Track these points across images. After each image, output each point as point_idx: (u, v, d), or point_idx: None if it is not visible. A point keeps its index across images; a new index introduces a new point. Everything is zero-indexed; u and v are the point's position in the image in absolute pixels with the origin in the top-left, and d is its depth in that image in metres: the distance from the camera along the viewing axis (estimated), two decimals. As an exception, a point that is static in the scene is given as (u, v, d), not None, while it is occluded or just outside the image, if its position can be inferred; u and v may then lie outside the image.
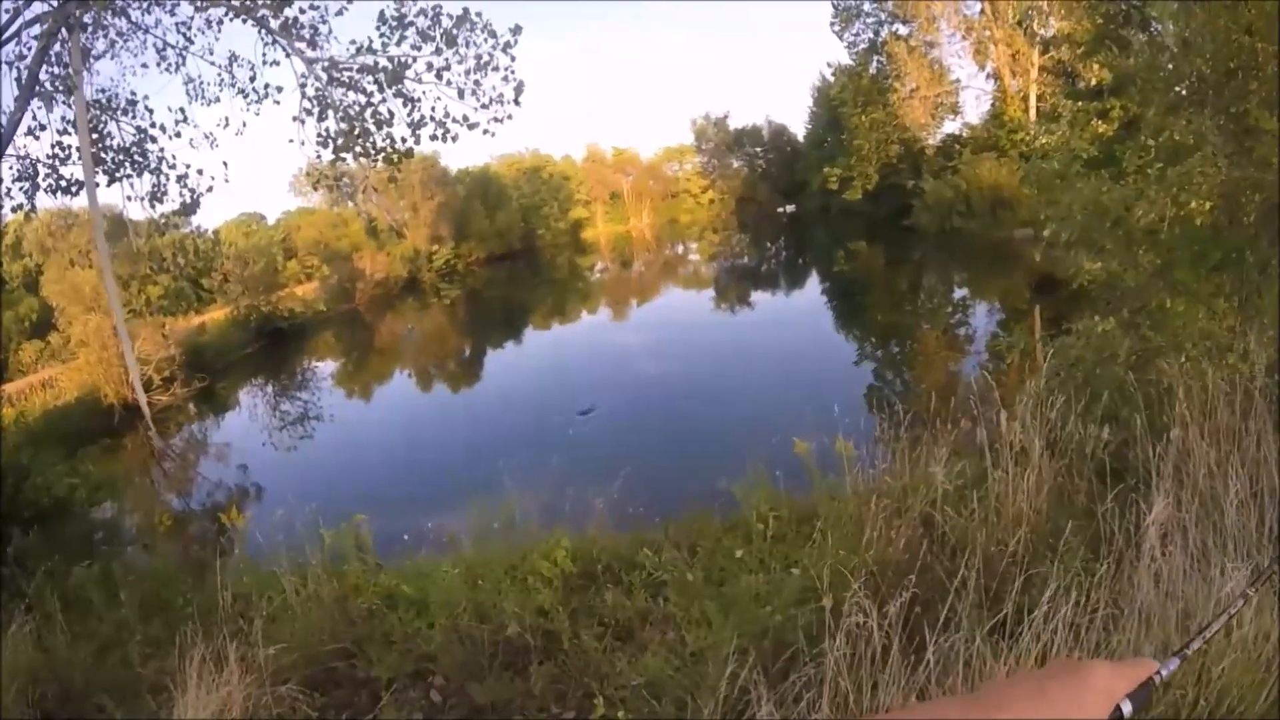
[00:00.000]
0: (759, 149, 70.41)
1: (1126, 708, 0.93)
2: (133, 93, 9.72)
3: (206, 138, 9.98)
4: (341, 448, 18.28)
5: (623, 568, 5.63)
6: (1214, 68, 5.43)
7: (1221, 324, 5.32)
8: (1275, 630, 2.86)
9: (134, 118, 9.65)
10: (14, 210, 9.59)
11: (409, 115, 9.24)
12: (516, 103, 9.30)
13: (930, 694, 2.70)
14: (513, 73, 9.16)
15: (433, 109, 9.24)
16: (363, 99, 9.16)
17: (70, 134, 9.17)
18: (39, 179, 9.24)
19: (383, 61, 8.98)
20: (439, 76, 9.07)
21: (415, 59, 9.00)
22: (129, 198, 9.81)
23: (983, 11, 36.86)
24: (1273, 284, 5.32)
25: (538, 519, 6.66)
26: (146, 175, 9.74)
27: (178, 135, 9.74)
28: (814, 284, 36.48)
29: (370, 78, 9.07)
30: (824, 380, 16.22)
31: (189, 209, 10.36)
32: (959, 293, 26.95)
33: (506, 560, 5.66)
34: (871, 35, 41.01)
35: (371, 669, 4.75)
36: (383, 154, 9.43)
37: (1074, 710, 0.85)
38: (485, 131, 9.36)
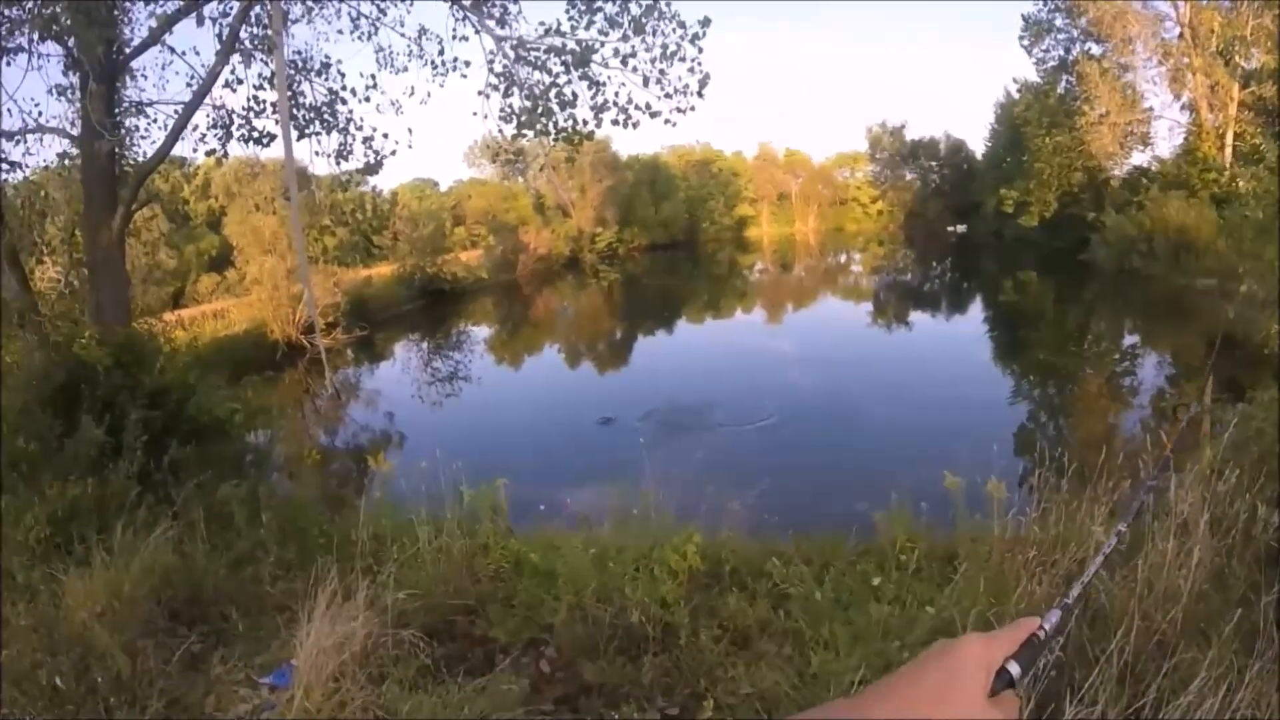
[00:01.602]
0: (934, 163, 68.52)
1: (1014, 669, 0.91)
2: (326, 56, 10.34)
3: (393, 104, 10.50)
4: (485, 410, 18.87)
5: (749, 573, 5.64)
6: None
7: None
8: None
9: (326, 80, 10.26)
10: (208, 154, 10.28)
11: (593, 98, 9.43)
12: (700, 95, 9.37)
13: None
14: (699, 64, 9.23)
15: (616, 94, 9.41)
16: (548, 79, 9.40)
17: (265, 89, 9.87)
18: (233, 128, 9.95)
19: (570, 44, 9.20)
20: (625, 63, 9.21)
21: (602, 44, 9.18)
22: (316, 153, 10.44)
23: (1182, 36, 34.11)
24: None
25: (674, 511, 6.73)
26: (335, 134, 10.31)
27: (366, 100, 10.28)
28: (977, 311, 35.20)
29: (557, 59, 9.30)
30: (975, 414, 15.72)
31: (371, 169, 10.87)
32: (1129, 339, 25.52)
33: (638, 547, 5.73)
34: (1062, 53, 39.09)
35: (491, 629, 4.92)
36: (563, 134, 9.66)
37: (952, 689, 0.84)
38: (667, 121, 9.47)
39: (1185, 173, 32.87)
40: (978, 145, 60.52)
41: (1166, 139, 41.59)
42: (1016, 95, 44.46)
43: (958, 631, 3.48)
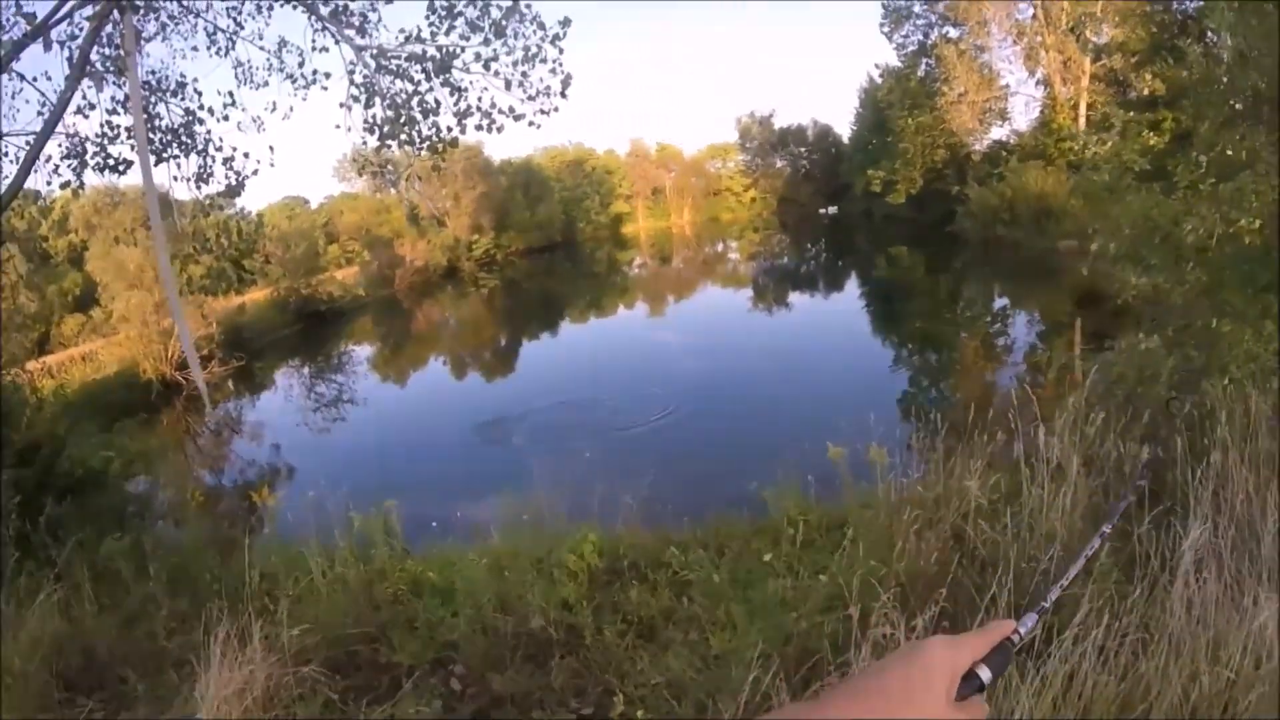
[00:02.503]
0: (803, 149, 70.15)
1: (985, 674, 0.92)
2: (182, 75, 9.77)
3: (254, 121, 10.09)
4: (374, 432, 18.43)
5: (649, 565, 5.64)
6: (1270, 84, 5.31)
7: (1268, 347, 5.20)
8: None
9: (183, 99, 9.73)
10: (62, 187, 9.69)
11: (455, 104, 9.28)
12: (563, 95, 9.32)
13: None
14: (560, 65, 9.18)
15: (479, 99, 9.28)
16: (410, 87, 9.21)
17: (119, 113, 9.28)
18: (87, 156, 9.38)
19: (431, 51, 9.03)
20: (486, 67, 9.09)
21: (464, 49, 9.03)
22: (175, 178, 9.97)
23: (1035, 16, 36.15)
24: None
25: (566, 513, 6.68)
26: (193, 156, 9.81)
27: (225, 118, 9.83)
28: (853, 288, 36.19)
29: (418, 66, 9.12)
30: (859, 385, 16.14)
31: (234, 191, 10.43)
32: (999, 302, 26.60)
33: (533, 552, 5.67)
34: (921, 38, 40.68)
35: (394, 655, 4.77)
36: (428, 142, 9.49)
37: (915, 691, 0.84)
38: (531, 123, 9.39)
39: (1042, 144, 34.62)
40: (844, 130, 62.43)
41: (1023, 113, 44.55)
42: (879, 80, 45.95)
43: (850, 597, 3.54)
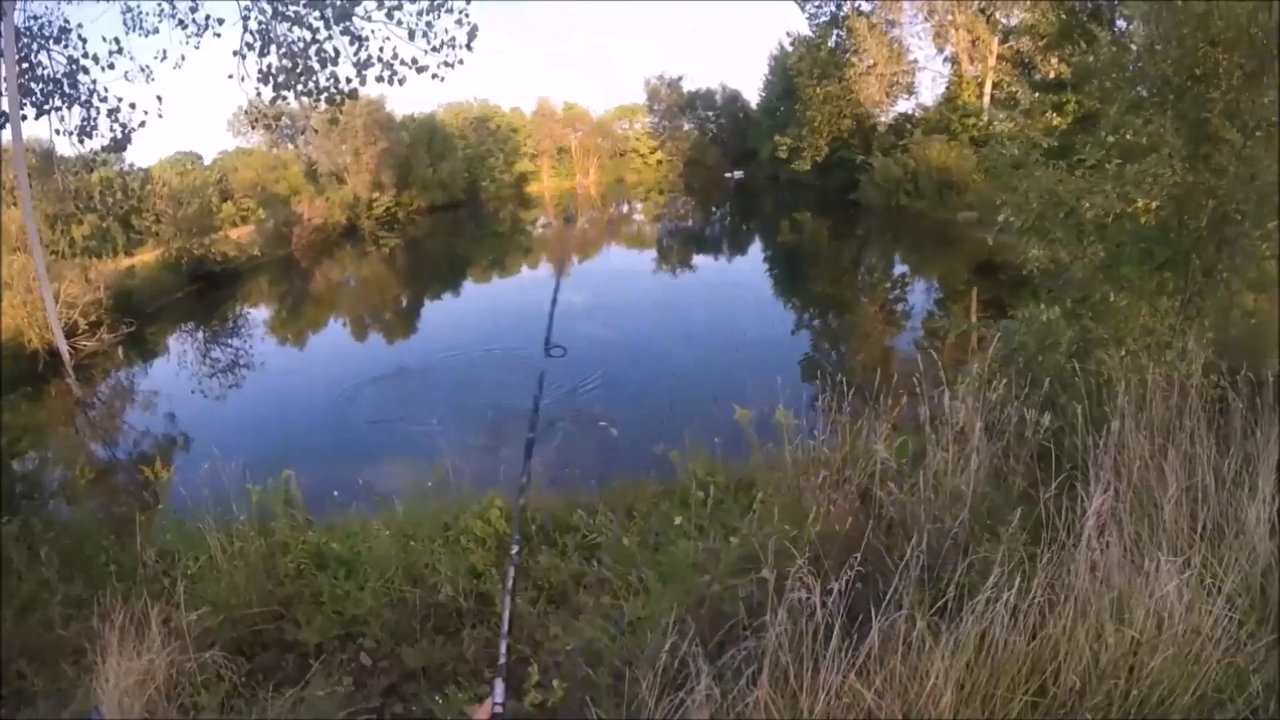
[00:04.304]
0: (711, 113, 70.19)
1: None
2: (66, 20, 9.20)
3: (142, 70, 9.59)
4: (272, 398, 17.90)
5: (557, 529, 5.60)
6: (1177, 72, 5.48)
7: (1163, 322, 5.42)
8: (1205, 624, 2.91)
9: (66, 47, 9.18)
10: None
11: (355, 54, 8.97)
12: (469, 48, 9.08)
13: (871, 673, 2.69)
14: (466, 16, 8.95)
15: (381, 49, 8.99)
16: (308, 35, 8.86)
17: None
18: None
19: (331, -4, 8.69)
20: (389, 16, 8.81)
21: (365, -3, 8.73)
22: (57, 131, 9.37)
23: None
24: (1215, 287, 5.43)
25: (471, 478, 6.55)
26: (76, 108, 9.31)
27: (111, 67, 9.32)
28: (757, 252, 36.54)
29: (316, 13, 8.76)
30: (762, 349, 16.34)
31: (120, 144, 9.89)
32: (899, 269, 27.22)
33: (439, 520, 5.55)
34: (833, 9, 41.29)
35: (300, 632, 4.61)
36: (325, 94, 9.15)
37: None
38: (435, 76, 9.14)
39: (946, 118, 35.64)
40: (753, 96, 62.67)
41: (930, 88, 45.70)
42: (790, 48, 46.16)
43: (765, 558, 3.54)
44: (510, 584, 2.39)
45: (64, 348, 13.36)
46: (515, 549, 2.65)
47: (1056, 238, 5.98)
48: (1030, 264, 6.30)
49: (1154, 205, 5.79)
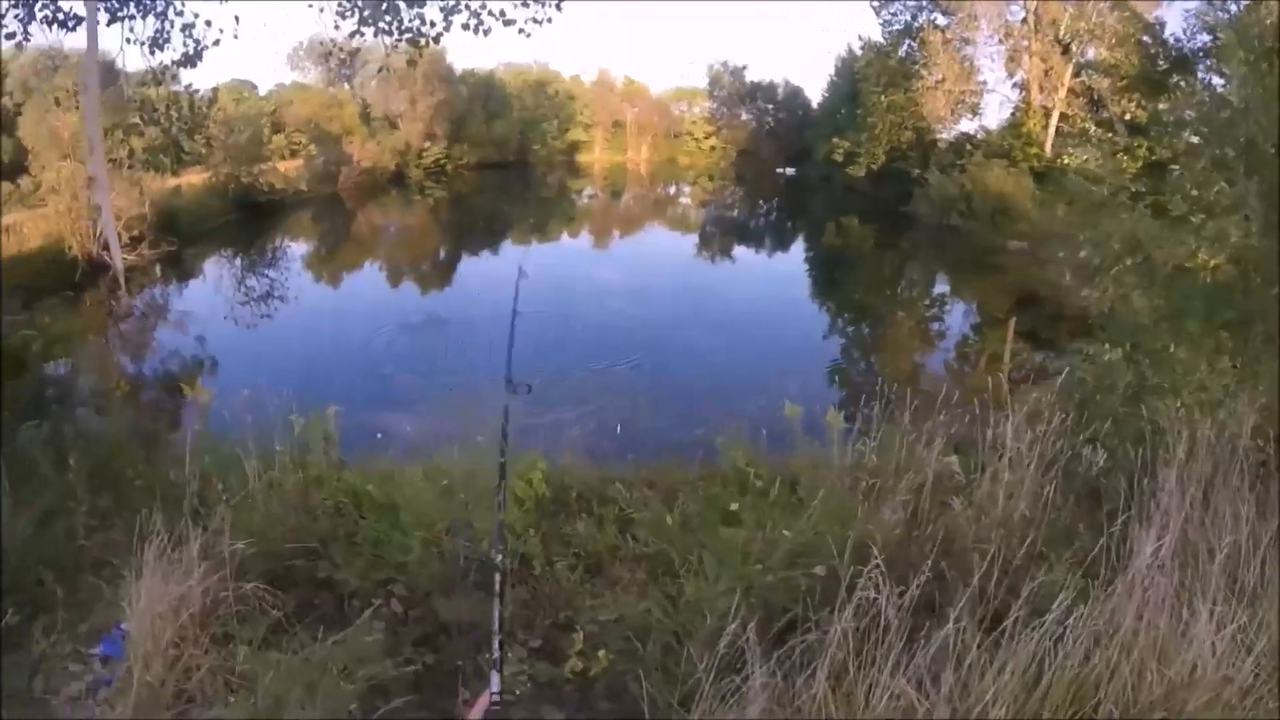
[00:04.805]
0: (770, 106, 69.63)
1: None
2: None
3: None
4: (302, 333, 18.05)
5: (595, 500, 5.63)
6: (1266, 139, 5.46)
7: (1218, 381, 5.43)
8: (1236, 676, 2.97)
9: None
10: (8, 38, 8.88)
11: (444, -1, 8.91)
12: (558, 7, 9.01)
13: (924, 684, 2.76)
14: (561, -25, 8.88)
15: (470, -3, 8.92)
16: (397, -28, 8.83)
17: None
18: (36, 7, 8.69)
19: (428, -66, 8.66)
20: (485, -36, 8.75)
21: (462, -61, 8.68)
22: (129, 40, 9.27)
23: (1025, 21, 36.39)
24: (1272, 355, 5.43)
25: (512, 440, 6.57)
26: (150, 18, 9.24)
27: None
28: (799, 251, 36.44)
29: (411, -50, 8.73)
30: (793, 346, 16.40)
31: (191, 60, 9.74)
32: (940, 288, 27.05)
33: (485, 478, 5.57)
34: (909, 18, 40.45)
35: (339, 572, 4.56)
36: (409, 34, 9.12)
37: None
38: (521, 30, 9.05)
39: (1009, 144, 35.02)
40: (815, 94, 62.03)
41: (995, 112, 44.78)
42: (859, 52, 45.61)
43: (818, 555, 3.60)
44: (497, 588, 2.41)
45: (119, 260, 13.42)
46: (499, 555, 2.71)
47: (1129, 281, 5.98)
48: (1100, 304, 6.30)
49: (1215, 262, 5.79)
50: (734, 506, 4.91)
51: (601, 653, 3.59)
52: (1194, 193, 5.89)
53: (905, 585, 3.15)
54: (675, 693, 3.20)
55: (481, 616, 4.11)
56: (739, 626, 2.94)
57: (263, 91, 57.00)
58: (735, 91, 69.71)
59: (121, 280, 15.38)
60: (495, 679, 1.12)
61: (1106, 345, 5.94)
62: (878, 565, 2.99)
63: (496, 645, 1.10)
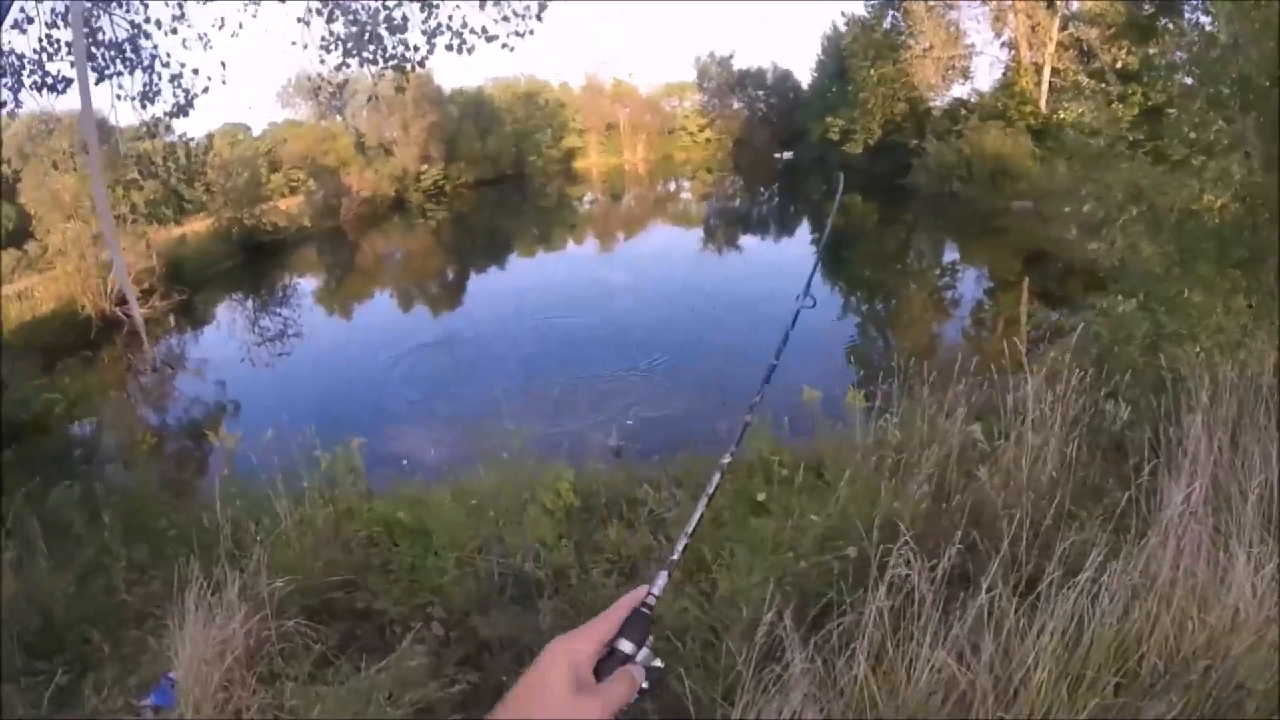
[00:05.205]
0: (761, 92, 69.53)
1: (626, 646, 1.01)
2: None
3: (200, 39, 9.59)
4: (322, 367, 18.12)
5: (624, 503, 5.65)
6: (1260, 73, 5.43)
7: (1235, 321, 5.40)
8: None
9: (128, 11, 9.13)
10: None
11: (425, 22, 8.94)
12: (539, 18, 9.03)
13: (964, 654, 2.76)
14: (540, -14, 8.90)
15: (450, 17, 8.95)
16: (375, 2, 8.87)
17: (59, 27, 8.61)
18: (24, 75, 8.72)
19: (402, -39, 8.70)
20: (460, -18, 8.78)
21: (437, -39, 8.72)
22: (119, 96, 9.31)
23: None
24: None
25: (536, 451, 6.62)
26: (139, 73, 9.27)
27: (174, 32, 9.27)
28: (804, 233, 36.32)
29: (386, -22, 8.77)
30: (810, 330, 16.22)
31: (182, 109, 9.83)
32: (950, 256, 26.92)
33: (512, 492, 5.61)
34: (890, -10, 40.47)
35: (377, 601, 4.64)
36: (394, 61, 9.17)
37: (534, 694, 0.92)
38: (505, 45, 9.08)
39: (1003, 105, 34.94)
40: (804, 76, 61.86)
41: (986, 73, 44.80)
42: (844, 28, 45.52)
43: (848, 538, 3.61)
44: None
45: (137, 314, 13.53)
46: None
47: (1133, 231, 5.95)
48: (1109, 256, 6.27)
49: (1221, 203, 5.75)
50: (761, 497, 4.92)
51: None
52: (1191, 135, 5.86)
53: (936, 559, 3.17)
54: (718, 687, 3.22)
55: (520, 631, 4.18)
56: (774, 616, 2.96)
57: (256, 132, 57.36)
58: (724, 81, 69.64)
59: (142, 332, 15.43)
60: (662, 578, 1.07)
61: (1119, 297, 5.90)
62: (907, 541, 3.00)
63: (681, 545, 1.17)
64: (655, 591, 1.07)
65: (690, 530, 1.17)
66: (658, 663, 1.05)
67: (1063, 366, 4.99)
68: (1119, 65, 27.72)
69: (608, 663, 0.99)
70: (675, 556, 1.16)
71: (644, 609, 1.05)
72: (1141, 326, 5.53)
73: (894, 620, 2.88)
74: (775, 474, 4.94)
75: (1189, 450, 3.92)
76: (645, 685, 1.01)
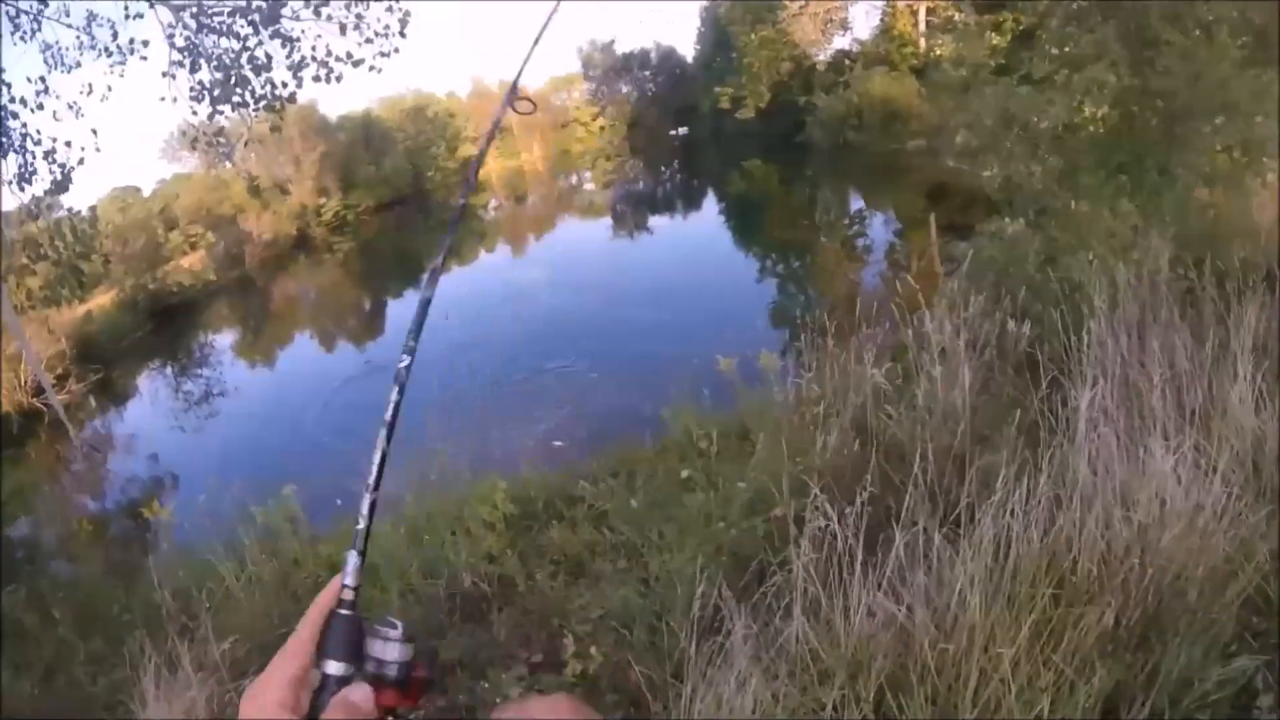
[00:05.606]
0: (647, 73, 69.58)
1: (333, 667, 0.87)
2: None
3: (70, 108, 9.24)
4: (252, 421, 17.73)
5: (563, 503, 5.64)
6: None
7: (1125, 223, 5.55)
8: (1206, 501, 3.03)
9: None
10: None
11: (288, 57, 8.79)
12: (402, 35, 8.94)
13: (898, 589, 2.80)
14: (397, 3, 8.79)
15: (313, 48, 8.81)
16: (237, 44, 8.69)
17: None
18: None
19: (256, 1, 8.53)
20: (317, 13, 8.64)
21: (291, -4, 8.59)
22: None
23: None
24: (1171, 185, 5.55)
25: (468, 466, 6.57)
26: (11, 155, 9.04)
27: (40, 108, 8.98)
28: (711, 205, 36.59)
29: (243, 20, 8.60)
30: (730, 299, 16.44)
31: (61, 186, 9.53)
32: (855, 205, 27.33)
33: (447, 512, 5.57)
34: (757, -49, 40.75)
35: None
36: (264, 102, 9.01)
37: None
38: (372, 68, 8.98)
39: (885, 50, 35.61)
40: (688, 50, 62.26)
41: (864, 22, 45.21)
42: (721, -2, 45.78)
43: (775, 499, 3.62)
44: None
45: (55, 401, 13.13)
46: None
47: (1013, 153, 6.07)
48: (989, 182, 6.39)
49: (1103, 113, 5.91)
50: (685, 473, 4.95)
51: (594, 650, 3.60)
52: (1053, 51, 5.99)
53: (873, 502, 3.20)
54: (667, 667, 3.22)
55: (479, 645, 4.16)
56: (708, 587, 2.97)
57: (147, 192, 55.67)
58: (609, 67, 69.56)
59: (64, 419, 14.98)
60: (353, 560, 0.90)
61: (1006, 219, 6.03)
62: (817, 492, 3.03)
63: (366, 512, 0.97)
64: (349, 581, 0.92)
65: (372, 482, 1.00)
66: (406, 656, 0.88)
67: (962, 295, 5.08)
68: (990, -6, 28.33)
69: (323, 695, 0.85)
70: (362, 525, 0.97)
71: (342, 610, 0.90)
72: (1033, 244, 5.66)
73: (825, 570, 2.90)
74: (696, 448, 4.96)
75: (1092, 355, 4.02)
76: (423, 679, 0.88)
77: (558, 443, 8.69)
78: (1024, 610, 2.65)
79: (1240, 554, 2.93)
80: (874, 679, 2.65)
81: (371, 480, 1.02)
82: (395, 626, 0.89)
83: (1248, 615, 2.90)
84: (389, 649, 0.88)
